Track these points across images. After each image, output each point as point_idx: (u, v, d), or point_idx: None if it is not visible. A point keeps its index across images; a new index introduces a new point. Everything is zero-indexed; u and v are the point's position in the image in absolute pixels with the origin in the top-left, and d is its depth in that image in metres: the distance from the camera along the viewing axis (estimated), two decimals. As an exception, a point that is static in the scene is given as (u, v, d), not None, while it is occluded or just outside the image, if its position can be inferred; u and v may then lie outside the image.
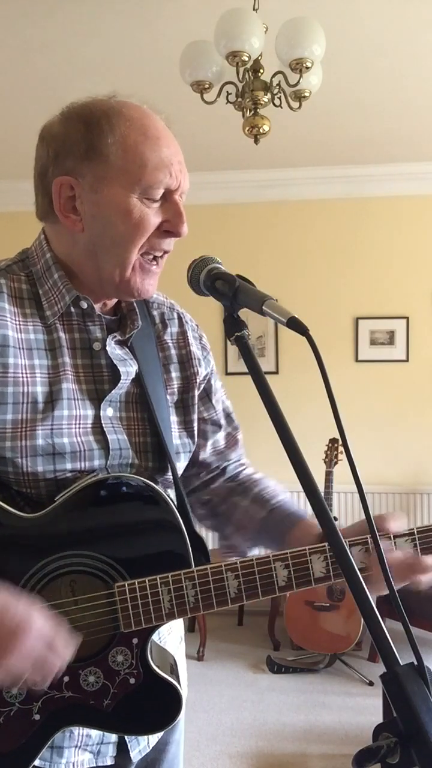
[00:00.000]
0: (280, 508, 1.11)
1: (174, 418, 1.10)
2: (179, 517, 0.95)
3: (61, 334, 1.00)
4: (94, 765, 1.00)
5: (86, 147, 0.95)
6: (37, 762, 0.93)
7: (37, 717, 0.91)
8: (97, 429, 0.99)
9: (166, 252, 1.01)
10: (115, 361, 1.02)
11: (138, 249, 0.97)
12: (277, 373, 4.46)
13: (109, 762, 1.01)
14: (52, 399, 0.96)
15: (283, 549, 0.96)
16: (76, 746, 0.98)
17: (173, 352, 1.13)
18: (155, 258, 1.01)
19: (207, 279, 0.92)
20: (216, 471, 1.20)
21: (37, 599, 0.89)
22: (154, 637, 0.97)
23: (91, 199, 0.96)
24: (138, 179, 0.94)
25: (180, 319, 1.16)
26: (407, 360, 4.43)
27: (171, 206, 0.97)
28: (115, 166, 0.94)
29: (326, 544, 0.95)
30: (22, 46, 2.94)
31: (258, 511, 1.12)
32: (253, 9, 2.44)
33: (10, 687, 0.88)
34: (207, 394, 1.17)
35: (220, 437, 1.19)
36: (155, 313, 1.14)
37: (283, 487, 1.19)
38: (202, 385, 1.15)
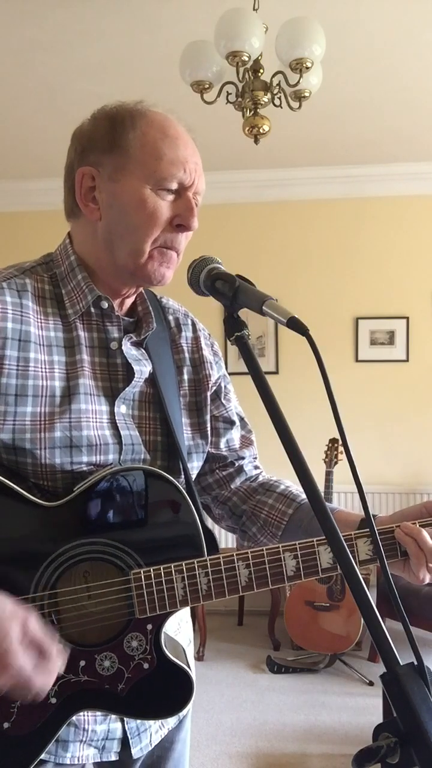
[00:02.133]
0: (307, 504, 1.12)
1: (186, 420, 1.13)
2: (193, 508, 0.97)
3: (81, 333, 1.04)
4: (99, 760, 1.02)
5: (109, 141, 1.00)
6: (42, 756, 0.94)
7: (53, 701, 0.93)
8: (112, 424, 1.03)
9: (178, 251, 1.04)
10: (130, 361, 1.06)
11: (151, 240, 1.00)
12: (277, 373, 4.46)
13: (114, 758, 1.03)
14: (70, 393, 1.00)
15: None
16: (81, 741, 1.00)
17: (187, 355, 1.16)
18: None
19: (207, 279, 0.93)
20: (232, 468, 1.21)
21: (32, 610, 0.89)
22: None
23: (108, 188, 1.00)
24: (153, 171, 0.98)
25: (194, 325, 1.21)
26: (407, 360, 4.44)
27: (183, 201, 1.01)
28: (134, 158, 0.99)
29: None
30: (22, 46, 2.94)
31: (285, 508, 1.15)
32: (253, 9, 2.45)
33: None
34: (218, 395, 1.19)
35: (235, 436, 1.21)
36: (170, 318, 1.18)
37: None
38: (214, 388, 1.18)
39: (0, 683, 0.83)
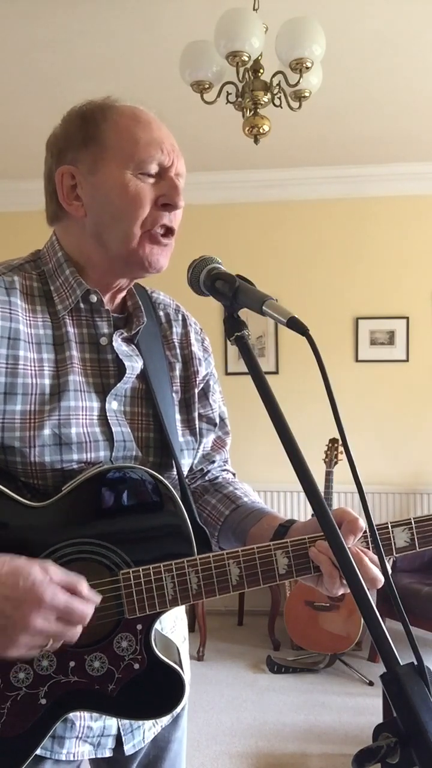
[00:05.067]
0: (243, 507, 1.13)
1: (178, 416, 1.12)
2: (183, 507, 0.97)
3: (70, 329, 1.03)
4: (94, 756, 1.03)
5: (83, 137, 1.01)
6: (39, 752, 0.94)
7: (43, 701, 0.93)
8: (103, 421, 1.02)
9: (170, 229, 1.03)
10: (121, 356, 1.05)
11: (139, 223, 1.00)
12: (277, 373, 4.46)
13: (108, 754, 1.03)
14: (59, 390, 0.99)
15: (244, 545, 0.99)
16: (77, 737, 1.00)
17: (178, 351, 1.16)
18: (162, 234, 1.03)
19: (207, 279, 0.93)
20: (198, 474, 1.22)
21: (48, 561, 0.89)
22: (159, 629, 0.99)
23: (90, 181, 1.00)
24: (131, 155, 0.99)
25: (185, 320, 1.19)
26: (407, 360, 4.43)
27: (166, 182, 1.01)
28: (110, 146, 1.00)
29: (317, 535, 0.96)
30: (22, 46, 2.94)
31: (223, 510, 1.15)
32: (253, 9, 2.45)
33: (41, 651, 0.88)
34: (205, 393, 1.19)
35: (210, 440, 1.20)
36: (161, 313, 1.17)
37: (256, 493, 1.20)
38: (201, 385, 1.18)
39: (43, 625, 0.83)
